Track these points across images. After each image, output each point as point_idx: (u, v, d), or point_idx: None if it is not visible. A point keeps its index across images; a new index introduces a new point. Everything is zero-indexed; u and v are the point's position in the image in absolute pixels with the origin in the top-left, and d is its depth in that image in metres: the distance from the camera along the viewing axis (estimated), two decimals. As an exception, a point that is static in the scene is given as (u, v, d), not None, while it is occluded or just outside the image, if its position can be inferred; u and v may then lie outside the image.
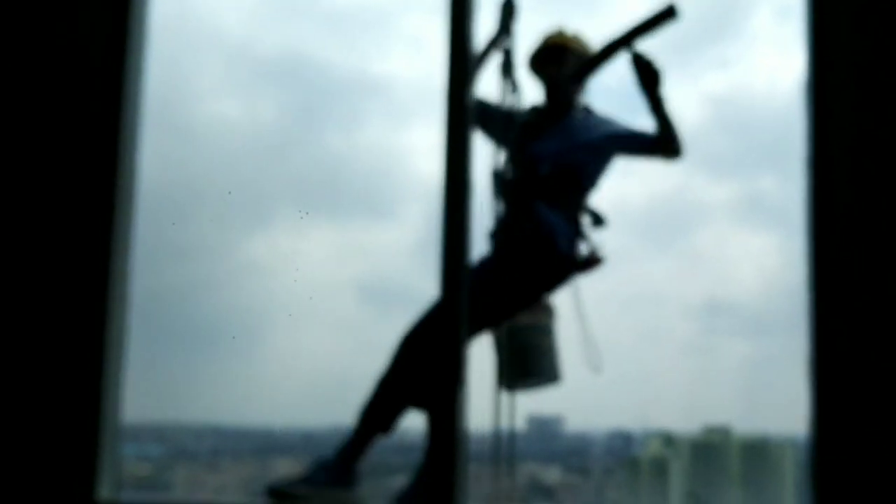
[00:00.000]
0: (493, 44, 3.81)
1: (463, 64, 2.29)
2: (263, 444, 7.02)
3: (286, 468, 6.96)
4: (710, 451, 6.28)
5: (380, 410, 3.53)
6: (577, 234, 3.77)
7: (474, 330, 3.63)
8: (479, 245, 3.66)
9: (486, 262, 3.75)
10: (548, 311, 3.86)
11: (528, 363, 3.78)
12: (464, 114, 2.26)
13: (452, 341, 2.27)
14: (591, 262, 3.80)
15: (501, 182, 3.80)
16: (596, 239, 3.81)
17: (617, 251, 3.92)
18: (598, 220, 3.84)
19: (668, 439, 6.40)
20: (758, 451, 6.34)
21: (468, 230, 2.25)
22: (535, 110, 3.92)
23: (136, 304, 2.35)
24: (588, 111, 3.90)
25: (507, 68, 3.80)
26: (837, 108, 2.12)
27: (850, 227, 2.09)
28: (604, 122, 3.80)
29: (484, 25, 2.36)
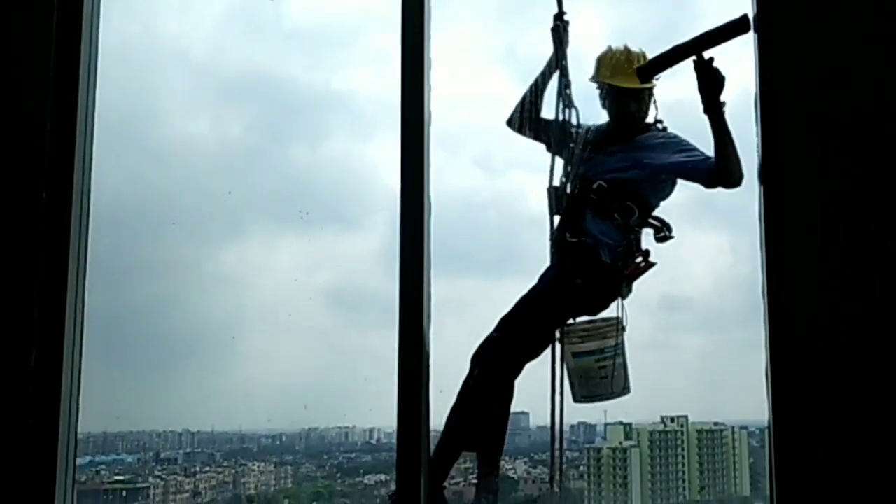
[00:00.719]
0: (552, 65, 3.98)
1: (418, 77, 2.43)
2: (238, 448, 7.18)
3: (260, 472, 7.12)
4: (669, 439, 6.48)
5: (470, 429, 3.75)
6: (628, 246, 3.92)
7: (535, 337, 3.86)
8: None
9: (543, 274, 3.94)
10: (612, 330, 3.99)
11: (591, 387, 3.98)
12: (421, 128, 2.39)
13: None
14: (638, 269, 3.96)
15: (557, 196, 3.95)
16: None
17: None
18: (662, 234, 3.98)
19: (629, 430, 6.59)
20: (714, 439, 6.54)
21: (426, 242, 2.39)
22: (600, 127, 4.07)
23: (111, 318, 2.48)
24: (657, 128, 4.04)
25: (563, 86, 3.99)
26: (787, 114, 2.23)
27: (802, 222, 2.22)
28: (668, 144, 3.92)
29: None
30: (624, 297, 3.96)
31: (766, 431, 2.33)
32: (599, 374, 3.98)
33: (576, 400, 4.07)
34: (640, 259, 3.98)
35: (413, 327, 2.40)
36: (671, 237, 3.98)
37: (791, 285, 2.23)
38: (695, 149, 3.85)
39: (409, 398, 2.39)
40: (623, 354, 4.00)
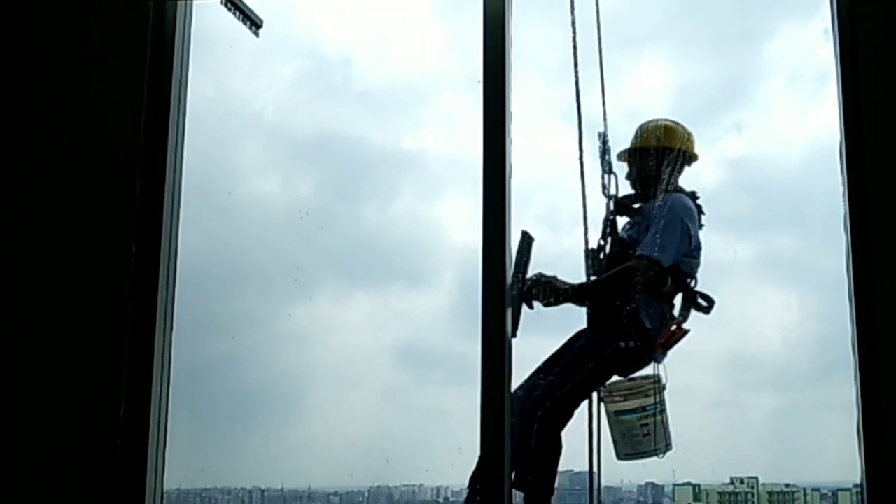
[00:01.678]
0: None
1: (500, 131, 2.44)
2: (306, 506, 7.16)
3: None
4: (739, 501, 6.32)
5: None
6: (661, 313, 3.97)
7: (581, 395, 3.92)
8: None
9: (582, 335, 4.01)
10: (651, 388, 4.01)
11: (634, 444, 4.01)
12: (503, 183, 2.40)
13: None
14: (673, 337, 4.00)
15: (594, 259, 4.05)
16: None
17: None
18: (700, 306, 4.03)
19: (698, 491, 6.45)
20: (785, 501, 6.38)
21: (508, 298, 2.38)
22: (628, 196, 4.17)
23: (183, 375, 2.52)
24: (669, 197, 4.11)
25: (603, 154, 4.09)
26: (873, 171, 2.22)
27: (892, 277, 2.19)
28: (657, 217, 4.02)
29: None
30: (658, 362, 3.98)
31: (859, 492, 2.27)
32: (642, 432, 4.03)
33: (619, 458, 4.11)
34: (674, 327, 4.01)
35: (495, 387, 2.40)
36: (708, 308, 4.05)
37: (882, 343, 2.19)
38: (656, 234, 3.99)
39: (491, 455, 2.38)
40: (664, 412, 4.01)
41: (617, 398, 4.05)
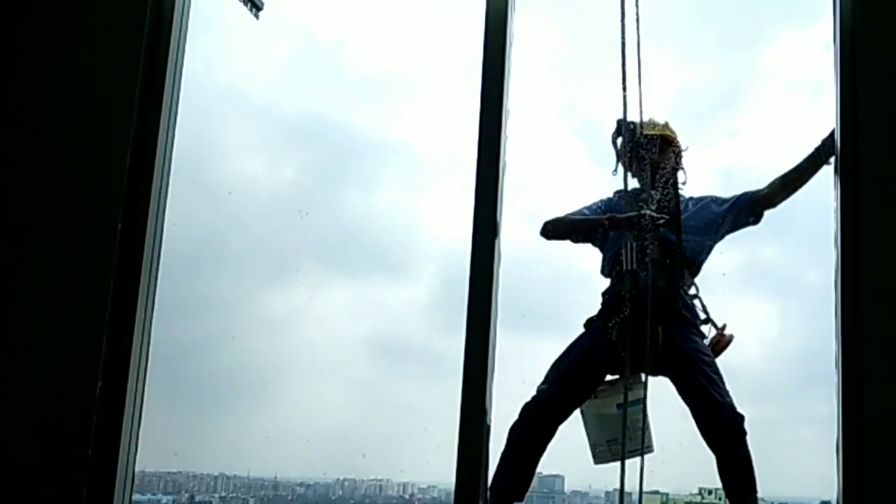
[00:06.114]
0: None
1: (496, 127, 2.41)
2: (272, 496, 7.11)
3: (293, 520, 7.05)
4: (705, 512, 6.32)
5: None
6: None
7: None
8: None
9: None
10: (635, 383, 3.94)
11: (636, 440, 3.90)
12: (496, 179, 2.38)
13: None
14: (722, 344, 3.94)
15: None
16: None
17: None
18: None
19: (666, 500, 6.45)
20: (753, 514, 6.39)
21: (494, 295, 2.36)
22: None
23: (155, 356, 2.47)
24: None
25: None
26: (868, 185, 2.23)
27: (881, 293, 2.20)
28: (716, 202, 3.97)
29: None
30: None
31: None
32: (644, 426, 3.93)
33: (614, 458, 4.01)
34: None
35: (477, 382, 2.38)
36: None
37: (867, 359, 2.18)
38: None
39: (469, 452, 2.36)
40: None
41: (620, 389, 3.91)
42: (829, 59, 2.45)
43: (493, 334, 2.42)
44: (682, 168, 3.96)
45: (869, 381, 2.18)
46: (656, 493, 6.65)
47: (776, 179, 3.77)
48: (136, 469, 2.42)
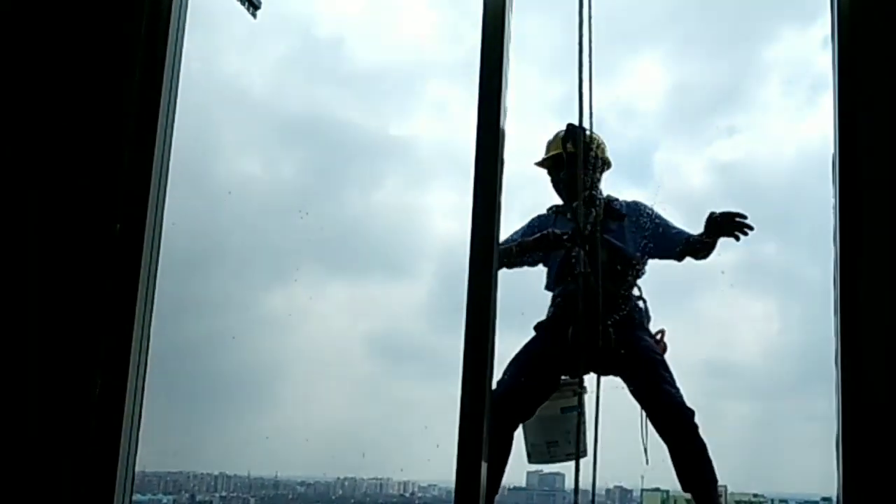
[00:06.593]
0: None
1: (494, 123, 2.42)
2: (272, 495, 7.12)
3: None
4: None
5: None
6: None
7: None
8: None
9: None
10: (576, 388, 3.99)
11: (573, 444, 3.97)
12: (494, 176, 2.38)
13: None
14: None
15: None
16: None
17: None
18: None
19: (665, 497, 6.46)
20: (752, 510, 6.40)
21: (494, 291, 2.36)
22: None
23: (157, 356, 2.48)
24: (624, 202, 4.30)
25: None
26: (867, 182, 2.20)
27: (880, 290, 2.17)
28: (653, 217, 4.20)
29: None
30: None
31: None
32: (583, 430, 4.00)
33: (555, 459, 4.09)
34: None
35: (477, 381, 2.38)
36: None
37: (867, 356, 2.18)
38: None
39: (469, 450, 2.35)
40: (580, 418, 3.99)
41: (567, 393, 4.01)
42: (828, 56, 2.45)
43: (493, 333, 2.42)
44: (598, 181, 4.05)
45: (868, 377, 2.17)
46: (657, 490, 6.66)
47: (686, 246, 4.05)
48: (136, 469, 2.42)
